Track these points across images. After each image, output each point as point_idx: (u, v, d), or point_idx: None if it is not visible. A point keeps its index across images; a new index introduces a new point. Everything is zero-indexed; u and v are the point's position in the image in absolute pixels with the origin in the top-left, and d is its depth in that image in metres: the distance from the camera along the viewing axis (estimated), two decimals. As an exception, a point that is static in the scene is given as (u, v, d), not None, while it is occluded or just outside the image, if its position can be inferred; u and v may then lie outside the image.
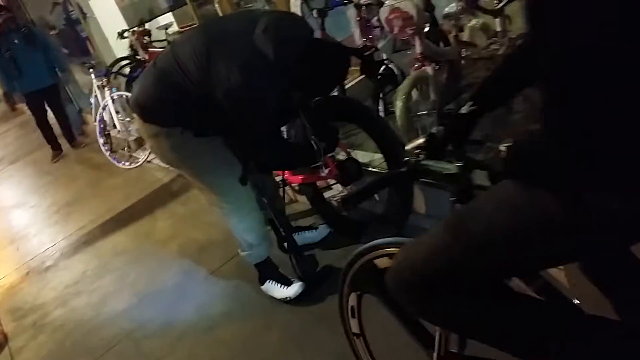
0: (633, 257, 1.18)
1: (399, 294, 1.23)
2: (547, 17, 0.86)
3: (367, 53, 3.52)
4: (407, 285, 1.19)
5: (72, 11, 7.68)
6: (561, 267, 1.72)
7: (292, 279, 2.63)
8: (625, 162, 0.86)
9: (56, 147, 6.68)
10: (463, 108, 1.26)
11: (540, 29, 0.88)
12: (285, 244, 2.78)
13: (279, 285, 2.62)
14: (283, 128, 2.85)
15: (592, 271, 1.22)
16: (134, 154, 5.54)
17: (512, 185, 0.99)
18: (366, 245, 1.52)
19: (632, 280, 1.19)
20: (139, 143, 5.44)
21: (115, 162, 5.53)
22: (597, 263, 1.18)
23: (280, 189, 2.76)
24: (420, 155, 1.27)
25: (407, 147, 1.31)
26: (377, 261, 1.51)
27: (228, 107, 2.09)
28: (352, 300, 1.67)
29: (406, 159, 1.30)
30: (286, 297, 2.59)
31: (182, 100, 2.17)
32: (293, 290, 2.58)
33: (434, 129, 1.30)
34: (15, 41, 6.03)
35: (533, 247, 1.00)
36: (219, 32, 2.20)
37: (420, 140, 1.28)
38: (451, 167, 1.21)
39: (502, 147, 0.99)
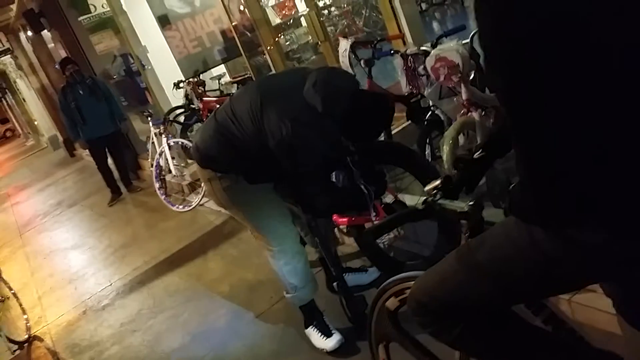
0: None
1: (416, 316, 1.35)
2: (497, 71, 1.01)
3: (413, 100, 3.63)
4: (423, 307, 1.32)
5: (132, 63, 8.15)
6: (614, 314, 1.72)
7: (333, 331, 2.65)
8: (595, 201, 0.97)
9: (115, 191, 6.97)
10: (475, 154, 1.39)
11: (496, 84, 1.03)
12: (334, 284, 2.84)
13: (320, 334, 2.66)
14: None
15: (623, 310, 1.26)
16: (188, 198, 5.74)
17: (513, 221, 1.11)
18: (376, 293, 1.66)
19: None
20: (193, 187, 5.65)
21: (170, 206, 5.72)
22: (628, 301, 1.22)
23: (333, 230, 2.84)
24: (437, 195, 1.42)
25: (425, 188, 1.46)
26: (387, 304, 1.63)
27: (280, 156, 2.24)
28: (382, 352, 1.76)
29: (424, 198, 1.46)
30: (323, 349, 2.63)
31: (237, 149, 2.33)
32: (331, 343, 2.61)
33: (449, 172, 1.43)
34: (81, 92, 6.42)
35: (529, 276, 1.12)
36: (273, 87, 2.38)
37: (437, 182, 1.43)
38: (464, 206, 1.36)
39: (510, 188, 1.12)
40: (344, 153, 2.57)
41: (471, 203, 1.35)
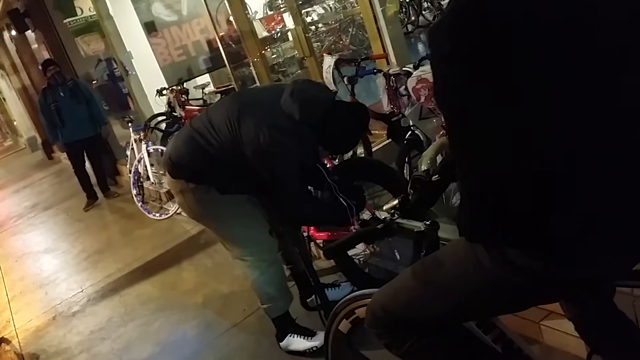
0: (621, 316, 1.26)
1: (372, 327, 1.40)
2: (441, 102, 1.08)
3: (394, 119, 3.67)
4: (378, 320, 1.37)
5: (115, 68, 8.11)
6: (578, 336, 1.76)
7: (315, 330, 2.66)
8: (534, 227, 1.00)
9: (91, 195, 6.88)
10: (433, 177, 1.45)
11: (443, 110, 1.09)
12: (308, 300, 2.85)
13: (302, 337, 2.65)
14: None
15: (582, 333, 1.30)
16: (165, 206, 5.70)
17: (463, 241, 1.15)
18: (328, 319, 1.69)
19: (622, 340, 1.27)
20: (170, 195, 5.61)
21: (146, 213, 5.67)
22: (587, 323, 1.26)
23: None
24: (395, 215, 1.46)
25: (384, 207, 1.51)
26: (340, 327, 1.66)
27: (257, 164, 2.25)
28: None
29: (383, 217, 1.49)
30: (312, 347, 2.62)
31: (212, 159, 2.34)
32: (320, 338, 2.60)
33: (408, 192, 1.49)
34: (61, 94, 6.34)
35: (476, 296, 1.17)
36: (250, 99, 2.43)
37: (395, 202, 1.48)
38: (420, 225, 1.40)
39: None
40: (320, 164, 2.60)
41: (427, 222, 1.39)
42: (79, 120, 6.37)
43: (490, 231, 1.05)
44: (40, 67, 6.99)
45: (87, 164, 6.85)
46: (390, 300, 1.34)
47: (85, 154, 6.69)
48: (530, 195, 0.98)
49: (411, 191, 1.45)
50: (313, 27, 8.38)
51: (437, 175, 1.44)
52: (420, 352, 1.33)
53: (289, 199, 2.35)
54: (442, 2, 9.61)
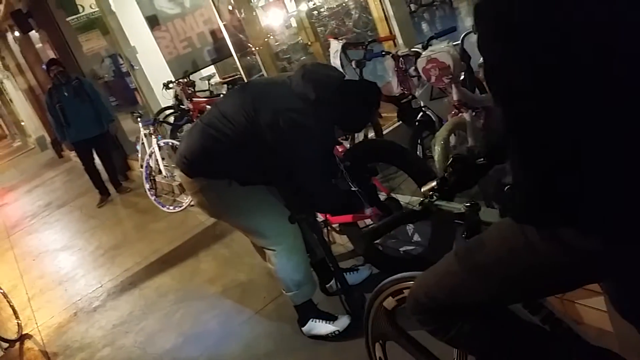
0: None
1: (415, 314, 1.37)
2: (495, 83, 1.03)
3: (404, 101, 3.66)
4: (421, 307, 1.35)
5: (121, 64, 8.11)
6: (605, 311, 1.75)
7: (337, 315, 2.68)
8: (589, 204, 0.98)
9: (104, 192, 6.93)
10: (477, 160, 1.39)
11: (494, 90, 1.05)
12: (327, 285, 2.86)
13: (325, 322, 2.67)
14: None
15: (617, 304, 1.29)
16: (178, 199, 5.72)
17: (508, 222, 1.12)
18: (372, 293, 1.67)
19: None
20: (183, 188, 5.63)
21: (160, 206, 5.70)
22: (622, 296, 1.24)
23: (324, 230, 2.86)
24: (433, 197, 1.42)
25: (422, 189, 1.47)
26: (384, 304, 1.65)
27: (279, 148, 2.26)
28: (378, 351, 1.77)
29: (421, 199, 1.46)
30: (335, 331, 2.64)
31: (228, 149, 2.34)
32: (341, 323, 2.64)
33: (446, 173, 1.44)
34: (65, 93, 6.36)
35: (525, 278, 1.14)
36: (261, 88, 2.45)
37: (434, 183, 1.44)
38: (461, 207, 1.36)
39: (505, 190, 1.13)
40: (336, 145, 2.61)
41: (468, 204, 1.35)
42: (84, 119, 6.39)
43: (544, 211, 1.03)
44: (44, 67, 7.01)
45: (98, 161, 6.88)
46: (433, 286, 1.31)
47: (94, 151, 6.72)
48: (579, 175, 0.96)
49: (450, 169, 1.40)
50: (315, 12, 8.32)
51: (482, 159, 1.39)
52: (467, 337, 1.31)
53: (311, 181, 2.36)
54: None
